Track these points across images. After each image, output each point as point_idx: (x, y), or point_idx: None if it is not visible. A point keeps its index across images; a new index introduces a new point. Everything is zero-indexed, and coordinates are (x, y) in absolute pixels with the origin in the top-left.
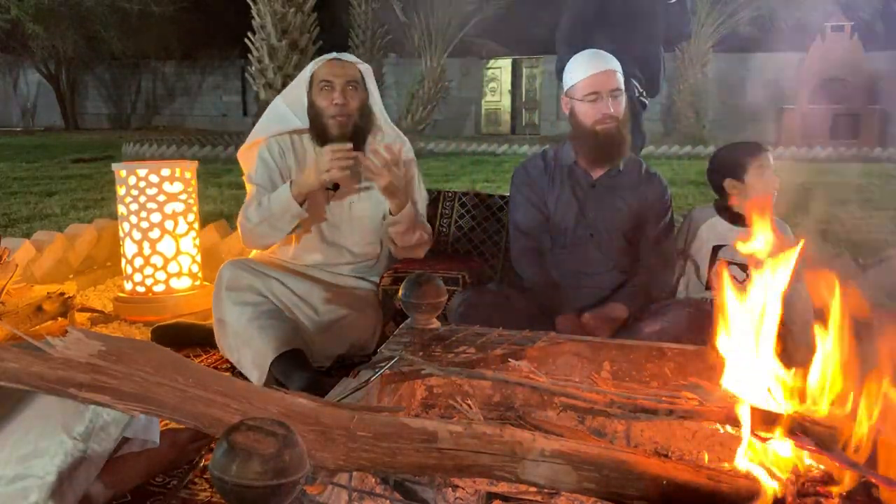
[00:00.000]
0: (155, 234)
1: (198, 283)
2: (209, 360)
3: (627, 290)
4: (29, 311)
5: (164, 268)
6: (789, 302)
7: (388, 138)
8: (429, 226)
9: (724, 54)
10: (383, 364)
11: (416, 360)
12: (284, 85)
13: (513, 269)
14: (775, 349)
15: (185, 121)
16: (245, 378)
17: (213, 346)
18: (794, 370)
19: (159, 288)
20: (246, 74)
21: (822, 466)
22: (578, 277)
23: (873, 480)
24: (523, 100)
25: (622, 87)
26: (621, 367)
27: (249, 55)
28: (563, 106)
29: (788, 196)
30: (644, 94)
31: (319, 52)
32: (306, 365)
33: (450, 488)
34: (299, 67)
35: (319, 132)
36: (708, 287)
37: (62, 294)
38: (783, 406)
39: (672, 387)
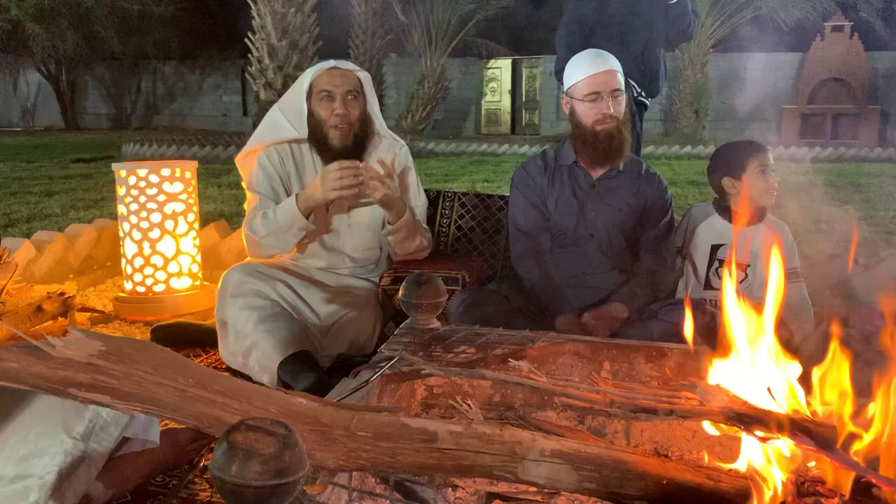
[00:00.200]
0: (155, 234)
1: (198, 283)
2: (209, 360)
3: (627, 290)
4: (29, 311)
5: (164, 268)
6: (789, 302)
7: (386, 144)
8: (429, 231)
9: (724, 54)
10: (383, 364)
11: (416, 360)
12: (284, 85)
13: (513, 269)
14: (775, 349)
15: (185, 121)
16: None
17: (213, 346)
18: (793, 370)
19: (159, 288)
20: (246, 74)
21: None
22: (578, 277)
23: (873, 480)
24: (523, 100)
25: (623, 87)
26: (621, 367)
27: (249, 55)
28: (564, 106)
29: (788, 196)
30: (643, 94)
31: (319, 52)
32: (314, 365)
33: (450, 488)
34: (299, 67)
35: (320, 142)
36: (707, 287)
37: (62, 294)
38: (783, 406)
39: (672, 387)
